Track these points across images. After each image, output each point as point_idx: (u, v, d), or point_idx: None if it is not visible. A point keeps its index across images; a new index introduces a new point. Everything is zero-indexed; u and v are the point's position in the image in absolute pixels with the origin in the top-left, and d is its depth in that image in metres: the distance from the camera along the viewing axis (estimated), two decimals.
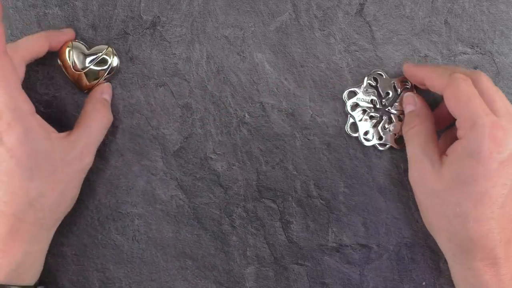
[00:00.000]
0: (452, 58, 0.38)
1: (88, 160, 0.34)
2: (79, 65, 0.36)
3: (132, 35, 0.38)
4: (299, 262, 0.37)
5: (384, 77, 0.37)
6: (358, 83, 0.37)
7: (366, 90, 0.37)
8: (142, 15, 0.38)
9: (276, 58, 0.38)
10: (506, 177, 0.29)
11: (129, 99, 0.38)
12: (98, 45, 0.37)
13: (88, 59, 0.36)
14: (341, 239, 0.37)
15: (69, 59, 0.36)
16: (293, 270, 0.37)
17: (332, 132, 0.37)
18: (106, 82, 0.37)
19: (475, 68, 0.38)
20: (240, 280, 0.37)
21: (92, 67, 0.36)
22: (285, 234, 0.37)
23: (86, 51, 0.36)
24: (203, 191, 0.37)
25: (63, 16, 0.38)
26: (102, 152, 0.37)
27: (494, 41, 0.38)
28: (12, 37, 0.38)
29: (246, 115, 0.38)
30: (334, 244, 0.37)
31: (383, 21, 0.38)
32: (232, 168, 0.37)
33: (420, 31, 0.38)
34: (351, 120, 0.37)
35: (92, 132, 0.34)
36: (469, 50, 0.38)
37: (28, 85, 0.38)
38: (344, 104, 0.37)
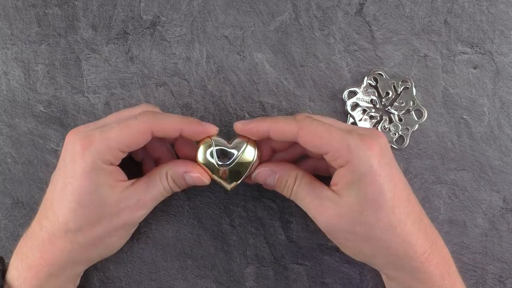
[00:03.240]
0: (452, 58, 0.38)
1: (139, 214, 0.32)
2: (224, 162, 0.32)
3: (132, 35, 0.38)
4: (299, 261, 0.37)
5: (384, 77, 0.37)
6: (358, 83, 0.37)
7: (366, 90, 0.37)
8: (142, 15, 0.38)
9: (276, 58, 0.38)
10: (399, 177, 0.30)
11: (129, 99, 0.38)
12: (237, 137, 0.33)
13: (233, 153, 0.32)
14: None
15: (213, 157, 0.32)
16: (293, 269, 0.37)
17: None
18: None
19: (475, 68, 0.38)
20: (240, 280, 0.37)
21: (239, 160, 0.32)
22: (284, 234, 0.37)
23: (229, 146, 0.32)
24: (203, 191, 0.37)
25: (63, 15, 0.38)
26: None
27: (493, 41, 0.38)
28: (12, 37, 0.38)
29: (246, 114, 0.38)
30: (334, 244, 0.37)
31: (382, 21, 0.38)
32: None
33: (420, 31, 0.38)
34: (351, 119, 0.37)
35: (154, 191, 0.32)
36: (468, 50, 0.38)
37: (28, 85, 0.38)
38: (344, 103, 0.37)
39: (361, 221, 0.29)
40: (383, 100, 0.37)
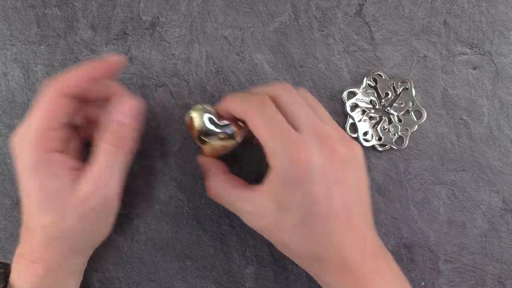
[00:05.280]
0: (451, 58, 0.38)
1: (101, 195, 0.30)
2: (207, 133, 0.32)
3: (132, 36, 0.38)
4: None
5: (384, 77, 0.37)
6: (358, 84, 0.37)
7: (366, 90, 0.37)
8: (141, 15, 0.38)
9: (275, 59, 0.38)
10: (329, 190, 0.28)
11: None
12: None
13: (217, 127, 0.32)
14: None
15: (199, 124, 0.32)
16: (293, 270, 0.37)
17: None
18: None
19: (474, 68, 0.38)
20: (239, 280, 0.37)
21: (220, 136, 0.32)
22: None
23: (216, 118, 0.32)
24: (202, 192, 0.37)
25: (63, 16, 0.38)
26: None
27: (493, 41, 0.38)
28: (11, 38, 0.38)
29: None
30: None
31: (382, 21, 0.38)
32: (231, 168, 0.37)
33: (419, 32, 0.38)
34: (351, 120, 0.37)
35: (102, 167, 0.30)
36: (468, 50, 0.38)
37: (28, 86, 0.38)
38: (343, 104, 0.37)
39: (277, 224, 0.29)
40: (383, 100, 0.37)
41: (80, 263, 0.34)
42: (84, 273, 0.35)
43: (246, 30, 0.38)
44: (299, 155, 0.27)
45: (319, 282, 0.31)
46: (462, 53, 0.38)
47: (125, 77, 0.38)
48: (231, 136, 0.32)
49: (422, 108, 0.37)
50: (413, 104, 0.37)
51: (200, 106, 0.32)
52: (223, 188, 0.32)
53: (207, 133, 0.32)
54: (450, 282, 0.37)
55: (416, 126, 0.37)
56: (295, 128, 0.28)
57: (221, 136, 0.32)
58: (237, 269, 0.37)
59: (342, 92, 0.37)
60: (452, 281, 0.37)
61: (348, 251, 0.29)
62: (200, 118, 0.31)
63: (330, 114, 0.37)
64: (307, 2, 0.38)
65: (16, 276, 0.31)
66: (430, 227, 0.37)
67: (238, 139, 0.32)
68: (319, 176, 0.28)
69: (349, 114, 0.37)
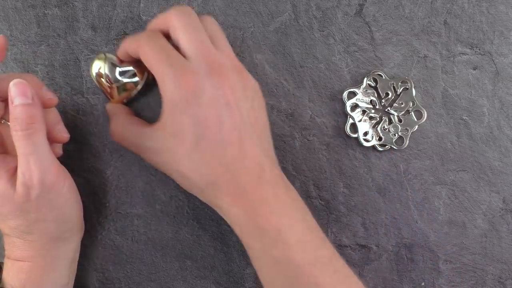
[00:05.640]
0: (452, 58, 0.38)
1: (35, 183, 0.29)
2: (111, 78, 0.35)
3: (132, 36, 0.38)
4: None
5: (384, 77, 0.37)
6: (358, 84, 0.37)
7: (366, 90, 0.37)
8: (141, 15, 0.38)
9: (275, 59, 0.38)
10: (220, 114, 0.29)
11: None
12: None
13: (120, 73, 0.35)
14: (340, 240, 0.37)
15: (102, 71, 0.35)
16: None
17: (332, 133, 0.38)
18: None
19: (475, 68, 0.38)
20: (239, 281, 0.37)
21: (123, 81, 0.35)
22: None
23: (118, 64, 0.35)
24: None
25: (63, 16, 0.38)
26: (102, 153, 0.37)
27: (493, 41, 0.38)
28: (11, 38, 0.38)
29: None
30: (334, 245, 0.37)
31: (382, 21, 0.38)
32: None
33: (420, 32, 0.38)
34: (351, 120, 0.37)
35: (21, 156, 0.29)
36: (468, 50, 0.38)
37: None
38: (343, 104, 0.37)
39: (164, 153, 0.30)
40: (383, 101, 0.37)
41: (66, 251, 0.34)
42: (84, 273, 0.35)
43: (246, 30, 0.38)
44: (187, 79, 0.28)
45: (217, 209, 0.31)
46: (462, 53, 0.38)
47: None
48: (133, 79, 0.34)
49: (422, 108, 0.37)
50: (413, 104, 0.37)
51: (102, 55, 0.35)
52: (125, 128, 0.33)
53: (111, 78, 0.34)
54: (450, 282, 0.37)
55: (416, 126, 0.37)
56: (186, 57, 0.29)
57: (125, 80, 0.34)
58: (237, 269, 0.37)
59: (342, 92, 0.37)
60: (452, 281, 0.37)
61: (243, 176, 0.29)
62: (103, 65, 0.34)
63: (330, 114, 0.38)
64: (307, 2, 0.38)
65: (6, 274, 0.32)
66: (430, 227, 0.37)
67: (141, 80, 0.34)
68: (208, 100, 0.28)
69: (349, 114, 0.37)
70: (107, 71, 0.34)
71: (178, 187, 0.37)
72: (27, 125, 0.28)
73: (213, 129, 0.29)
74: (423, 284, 0.37)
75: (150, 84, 0.36)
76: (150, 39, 0.30)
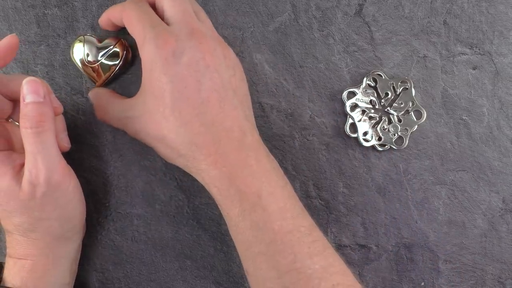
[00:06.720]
0: (451, 58, 0.38)
1: (42, 181, 0.29)
2: (91, 59, 0.36)
3: (131, 36, 0.38)
4: None
5: (383, 77, 0.37)
6: (357, 84, 0.37)
7: (365, 90, 0.37)
8: None
9: (275, 59, 0.38)
10: (199, 75, 0.29)
11: None
12: (109, 37, 0.37)
13: (101, 53, 0.36)
14: (340, 239, 0.37)
15: (82, 53, 0.36)
16: None
17: (331, 133, 0.38)
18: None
19: (474, 68, 0.38)
20: (239, 281, 0.37)
21: (103, 60, 0.36)
22: None
23: (98, 44, 0.36)
24: (202, 191, 0.37)
25: (62, 16, 0.38)
26: (102, 153, 0.37)
27: (493, 41, 0.38)
28: None
29: None
30: (333, 244, 0.37)
31: (382, 21, 0.38)
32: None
33: (419, 32, 0.38)
34: (350, 120, 0.37)
35: (30, 154, 0.29)
36: (468, 50, 0.38)
37: None
38: (343, 104, 0.37)
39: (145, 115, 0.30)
40: (382, 100, 0.37)
41: (69, 250, 0.34)
42: (84, 273, 0.35)
43: (246, 30, 0.38)
44: (167, 39, 0.29)
45: (196, 175, 0.31)
46: (462, 53, 0.38)
47: (125, 77, 0.38)
48: (113, 56, 0.35)
49: (422, 108, 0.37)
50: (413, 104, 0.37)
51: (81, 37, 0.36)
52: (108, 105, 0.34)
53: (92, 57, 0.35)
54: (450, 282, 0.37)
55: (416, 126, 0.37)
56: (169, 23, 0.30)
57: (105, 57, 0.35)
58: (237, 269, 0.37)
59: (342, 92, 0.37)
60: (452, 281, 0.37)
61: (223, 138, 0.29)
62: (82, 47, 0.35)
63: (330, 114, 0.38)
64: (307, 2, 0.38)
65: (7, 273, 0.31)
66: (430, 227, 0.37)
67: (121, 55, 0.35)
68: (187, 60, 0.29)
69: (349, 114, 0.37)
70: (87, 51, 0.35)
71: (178, 187, 0.37)
72: (37, 123, 0.28)
73: (192, 88, 0.29)
74: (422, 284, 0.37)
75: (129, 63, 0.37)
76: (135, 3, 0.31)
